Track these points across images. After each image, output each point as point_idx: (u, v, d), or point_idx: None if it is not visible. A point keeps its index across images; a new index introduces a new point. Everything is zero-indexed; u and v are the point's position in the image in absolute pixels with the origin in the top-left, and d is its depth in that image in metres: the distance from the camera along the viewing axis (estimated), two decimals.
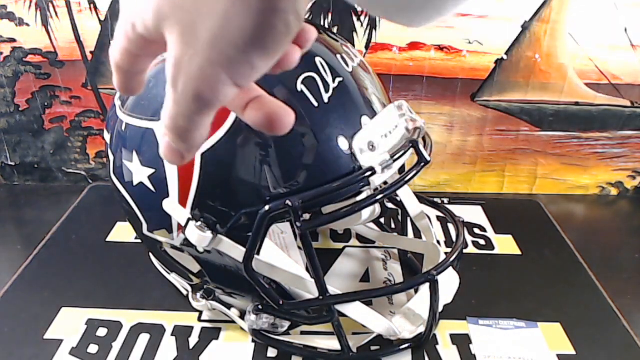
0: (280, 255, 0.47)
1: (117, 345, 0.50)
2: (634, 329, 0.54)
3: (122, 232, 0.68)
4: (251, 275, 0.42)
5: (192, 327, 0.52)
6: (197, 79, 0.20)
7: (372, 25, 0.70)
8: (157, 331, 0.52)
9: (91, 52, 0.72)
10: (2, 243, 0.70)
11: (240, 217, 0.40)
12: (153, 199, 0.42)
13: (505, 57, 0.71)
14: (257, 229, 0.40)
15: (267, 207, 0.39)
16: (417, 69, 0.72)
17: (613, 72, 0.72)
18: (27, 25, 0.70)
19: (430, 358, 0.50)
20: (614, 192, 0.82)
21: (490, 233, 0.70)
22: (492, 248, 0.67)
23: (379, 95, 0.45)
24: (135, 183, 0.43)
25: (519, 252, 0.66)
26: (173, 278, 0.54)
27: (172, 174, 0.40)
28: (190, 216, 0.41)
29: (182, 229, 0.42)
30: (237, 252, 0.41)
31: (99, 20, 0.70)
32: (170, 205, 0.41)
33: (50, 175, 0.82)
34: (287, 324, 0.49)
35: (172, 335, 0.52)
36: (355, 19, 0.70)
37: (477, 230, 0.70)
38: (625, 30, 0.69)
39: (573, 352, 0.51)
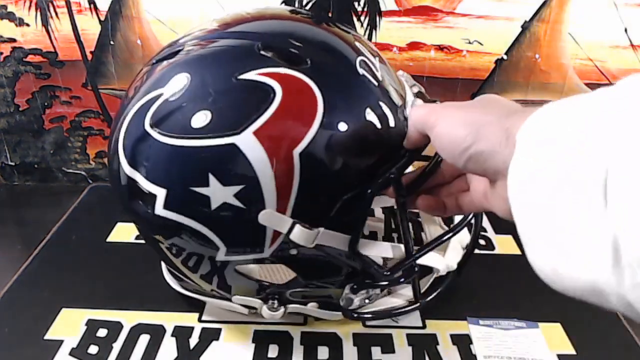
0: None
1: (117, 346, 0.50)
2: (633, 329, 0.54)
3: (122, 233, 0.68)
4: (358, 256, 0.43)
5: (192, 328, 0.52)
6: None
7: (372, 25, 0.70)
8: (157, 332, 0.52)
9: (91, 52, 0.72)
10: (2, 243, 0.70)
11: (340, 205, 0.41)
12: (240, 217, 0.40)
13: (505, 57, 0.72)
14: (363, 211, 0.41)
15: (372, 188, 0.40)
16: (417, 69, 0.72)
17: (613, 72, 0.72)
18: (27, 25, 0.70)
19: (430, 358, 0.50)
20: None
21: (490, 233, 0.70)
22: (493, 248, 0.67)
23: (396, 86, 0.46)
24: (213, 207, 0.39)
25: (519, 252, 0.66)
26: (233, 303, 0.51)
27: (268, 184, 0.38)
28: (292, 220, 0.40)
29: (276, 238, 0.41)
30: (338, 240, 0.42)
31: (99, 20, 0.70)
32: (269, 216, 0.40)
33: (50, 175, 0.82)
34: (378, 293, 0.51)
35: (172, 335, 0.52)
36: (355, 19, 0.70)
37: None
38: (625, 30, 0.69)
39: (573, 352, 0.51)
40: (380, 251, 0.47)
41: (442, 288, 0.54)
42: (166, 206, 0.40)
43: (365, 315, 0.52)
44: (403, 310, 0.52)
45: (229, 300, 0.51)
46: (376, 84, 0.42)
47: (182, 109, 0.39)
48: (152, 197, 0.40)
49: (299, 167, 0.38)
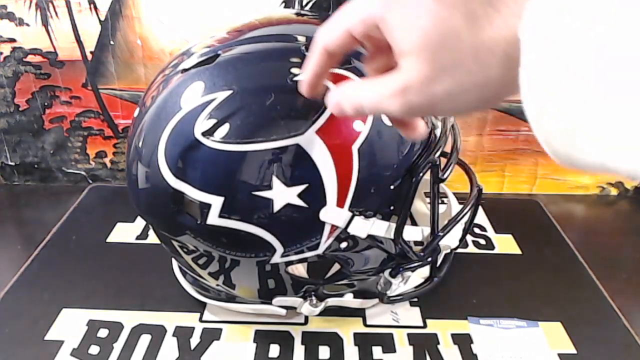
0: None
1: (118, 346, 0.50)
2: (634, 328, 0.54)
3: (122, 233, 0.68)
4: (403, 242, 0.45)
5: (193, 328, 0.52)
6: (413, 107, 0.26)
7: None
8: (158, 332, 0.52)
9: (91, 52, 0.72)
10: (2, 243, 0.70)
11: (389, 194, 0.43)
12: (301, 216, 0.40)
13: None
14: (408, 198, 0.43)
15: (416, 175, 0.42)
16: None
17: None
18: (27, 25, 0.70)
19: (431, 358, 0.50)
20: (614, 192, 0.82)
21: (490, 233, 0.70)
22: (493, 248, 0.67)
23: None
24: (276, 209, 0.39)
25: (519, 252, 0.66)
26: (273, 305, 0.51)
27: (330, 179, 0.39)
28: (350, 213, 0.41)
29: (332, 233, 0.42)
30: (385, 228, 0.44)
31: (99, 20, 0.70)
32: (329, 212, 0.41)
33: (50, 175, 0.82)
34: (409, 275, 0.52)
35: (173, 336, 0.52)
36: None
37: (477, 230, 0.70)
38: None
39: (574, 351, 0.51)
40: (413, 235, 0.48)
41: (449, 263, 0.57)
42: (222, 214, 0.40)
43: (396, 298, 0.53)
44: (425, 287, 0.55)
45: (233, 298, 0.51)
46: None
47: (239, 114, 0.38)
48: (205, 207, 0.40)
49: (358, 161, 0.39)
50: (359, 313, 0.55)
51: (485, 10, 0.23)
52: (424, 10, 0.24)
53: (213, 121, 0.38)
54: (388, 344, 0.51)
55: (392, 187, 0.43)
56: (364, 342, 0.51)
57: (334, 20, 0.29)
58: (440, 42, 0.24)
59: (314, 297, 0.50)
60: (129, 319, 0.53)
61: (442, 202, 0.60)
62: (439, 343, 0.51)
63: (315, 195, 0.40)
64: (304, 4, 0.69)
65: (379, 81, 0.27)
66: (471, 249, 0.66)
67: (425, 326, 0.54)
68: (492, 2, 0.23)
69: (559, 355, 0.50)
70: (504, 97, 0.25)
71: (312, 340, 0.51)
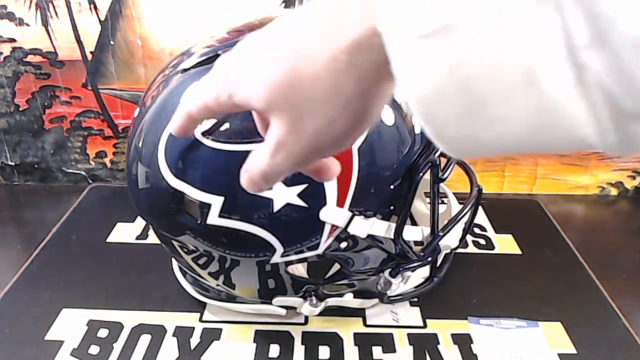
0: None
1: (118, 346, 0.50)
2: (634, 328, 0.54)
3: (122, 233, 0.68)
4: (403, 242, 0.45)
5: (193, 328, 0.52)
6: (298, 157, 0.25)
7: None
8: (158, 332, 0.52)
9: (91, 52, 0.72)
10: (2, 243, 0.70)
11: (389, 194, 0.43)
12: (302, 216, 0.40)
13: None
14: (408, 198, 0.43)
15: (416, 174, 0.42)
16: None
17: None
18: (27, 25, 0.70)
19: (431, 358, 0.50)
20: (614, 192, 0.82)
21: (490, 232, 0.70)
22: (493, 247, 0.67)
23: None
24: (276, 209, 0.40)
25: (519, 252, 0.66)
26: (273, 305, 0.52)
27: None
28: (350, 213, 0.41)
29: (332, 233, 0.42)
30: (385, 228, 0.44)
31: (99, 20, 0.70)
32: (329, 211, 0.41)
33: (50, 175, 0.82)
34: (409, 275, 0.52)
35: (173, 336, 0.52)
36: None
37: (477, 230, 0.70)
38: None
39: (574, 351, 0.51)
40: (413, 235, 0.48)
41: (449, 263, 0.58)
42: (222, 214, 0.40)
43: (396, 298, 0.54)
44: (425, 287, 0.56)
45: (233, 298, 0.51)
46: None
47: (238, 113, 0.37)
48: (205, 206, 0.40)
49: (358, 161, 0.39)
50: (359, 313, 0.55)
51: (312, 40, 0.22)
52: (256, 68, 0.24)
53: (213, 121, 0.38)
54: (388, 344, 0.51)
55: (392, 187, 0.43)
56: (364, 342, 0.51)
57: (198, 90, 0.28)
58: (284, 89, 0.23)
59: (314, 297, 0.50)
60: (129, 319, 0.53)
61: (442, 202, 0.60)
62: (439, 343, 0.51)
63: (315, 195, 0.40)
64: (303, 3, 0.69)
65: (260, 148, 0.26)
66: (471, 249, 0.66)
67: (425, 326, 0.54)
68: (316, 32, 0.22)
69: (559, 355, 0.50)
70: (375, 106, 0.24)
71: (312, 340, 0.51)
